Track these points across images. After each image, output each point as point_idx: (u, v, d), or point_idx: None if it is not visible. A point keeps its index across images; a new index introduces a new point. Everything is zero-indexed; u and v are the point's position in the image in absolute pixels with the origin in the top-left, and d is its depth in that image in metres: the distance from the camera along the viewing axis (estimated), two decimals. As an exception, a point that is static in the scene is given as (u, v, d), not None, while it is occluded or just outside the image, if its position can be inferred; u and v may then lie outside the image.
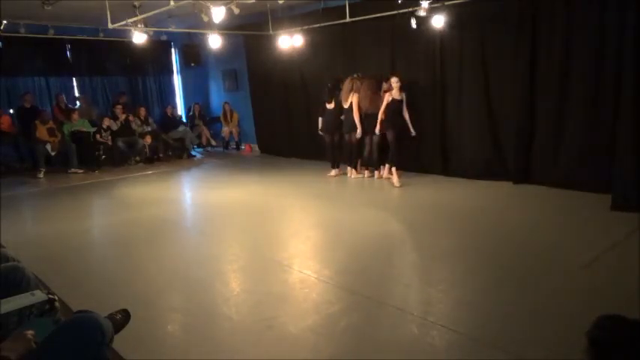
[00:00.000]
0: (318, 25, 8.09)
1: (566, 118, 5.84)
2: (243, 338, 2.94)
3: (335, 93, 7.52)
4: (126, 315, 2.53)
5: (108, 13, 6.87)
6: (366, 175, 7.48)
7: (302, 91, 9.23)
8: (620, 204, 4.95)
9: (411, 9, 6.53)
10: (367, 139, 7.29)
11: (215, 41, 7.92)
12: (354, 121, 7.23)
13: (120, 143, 9.79)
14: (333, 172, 7.74)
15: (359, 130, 7.22)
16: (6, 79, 9.73)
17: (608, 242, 4.15)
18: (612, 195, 5.07)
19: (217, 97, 12.24)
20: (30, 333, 1.81)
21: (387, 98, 6.80)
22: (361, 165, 7.67)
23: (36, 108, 9.70)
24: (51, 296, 2.08)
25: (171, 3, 6.11)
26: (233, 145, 11.49)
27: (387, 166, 7.14)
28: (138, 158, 10.02)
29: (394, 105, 6.76)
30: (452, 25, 6.59)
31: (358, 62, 7.93)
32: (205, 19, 6.20)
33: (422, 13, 6.33)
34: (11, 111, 9.86)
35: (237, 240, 4.97)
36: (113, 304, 2.69)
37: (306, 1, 8.13)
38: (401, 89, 6.77)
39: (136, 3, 6.79)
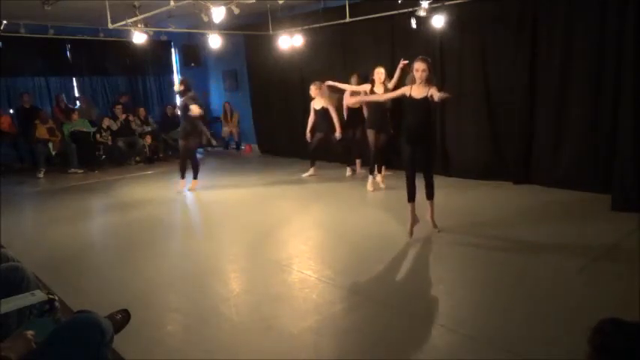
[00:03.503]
0: (318, 25, 8.09)
1: (566, 118, 5.84)
2: (242, 339, 2.94)
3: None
4: (126, 315, 2.53)
5: (108, 13, 6.87)
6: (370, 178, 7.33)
7: (302, 92, 9.22)
8: (620, 204, 4.94)
9: (411, 9, 6.53)
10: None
11: (215, 41, 7.93)
12: (331, 122, 7.30)
13: (120, 143, 9.80)
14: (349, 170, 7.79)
15: (338, 131, 7.25)
16: (6, 79, 9.74)
17: (608, 242, 4.15)
18: (612, 195, 5.06)
19: (217, 97, 12.24)
20: (30, 333, 1.81)
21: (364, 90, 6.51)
22: (361, 165, 7.67)
23: (35, 108, 9.71)
24: (51, 296, 2.07)
25: (172, 3, 6.11)
26: (233, 145, 11.49)
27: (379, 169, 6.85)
28: (138, 158, 10.03)
29: (377, 103, 6.36)
30: (452, 25, 6.58)
31: (358, 62, 7.93)
32: (205, 19, 6.20)
33: (422, 13, 6.33)
34: (11, 111, 9.87)
35: (236, 240, 4.97)
36: (113, 304, 2.69)
37: (306, 1, 8.13)
38: (384, 83, 6.41)
39: (136, 3, 6.80)
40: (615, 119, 5.15)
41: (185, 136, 7.07)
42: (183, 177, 7.29)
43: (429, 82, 4.33)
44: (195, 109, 6.79)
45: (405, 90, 4.51)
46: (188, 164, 7.24)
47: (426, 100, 4.33)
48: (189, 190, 7.25)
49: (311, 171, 7.88)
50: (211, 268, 4.17)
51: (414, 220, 4.57)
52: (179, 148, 7.43)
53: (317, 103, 7.51)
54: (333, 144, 7.60)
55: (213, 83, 12.38)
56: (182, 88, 7.03)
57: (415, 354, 2.67)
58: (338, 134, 7.30)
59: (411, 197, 4.57)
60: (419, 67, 4.31)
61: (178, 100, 7.03)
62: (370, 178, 6.48)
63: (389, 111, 6.75)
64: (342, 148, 7.67)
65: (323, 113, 7.46)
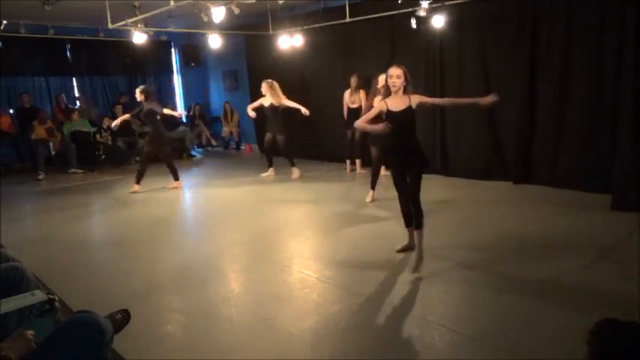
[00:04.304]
0: (318, 25, 8.10)
1: (566, 117, 5.84)
2: (243, 339, 2.94)
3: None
4: (126, 315, 2.53)
5: (108, 13, 6.88)
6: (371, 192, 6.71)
7: (302, 92, 9.22)
8: (620, 204, 4.94)
9: (411, 9, 6.54)
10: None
11: (215, 41, 7.94)
12: (280, 121, 7.57)
13: (120, 143, 9.80)
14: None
15: (304, 110, 7.44)
16: (6, 79, 9.75)
17: (608, 242, 4.15)
18: (612, 195, 5.06)
19: (217, 97, 12.25)
20: (30, 333, 1.81)
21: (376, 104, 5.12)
22: (361, 164, 7.68)
23: (35, 108, 9.71)
24: (51, 296, 2.07)
25: (172, 3, 6.12)
26: (233, 145, 11.49)
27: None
28: (138, 158, 10.01)
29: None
30: (452, 26, 6.59)
31: (358, 63, 7.93)
32: (205, 19, 6.20)
33: (422, 13, 6.34)
34: (11, 111, 9.88)
35: (236, 240, 4.96)
36: (113, 304, 2.69)
37: (306, 1, 8.14)
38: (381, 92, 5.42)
39: (136, 3, 6.81)
40: (615, 119, 5.15)
41: (148, 142, 7.32)
42: (176, 179, 7.45)
43: (405, 91, 3.76)
44: (166, 111, 7.32)
45: (380, 106, 3.83)
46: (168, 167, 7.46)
47: (409, 112, 3.74)
48: (130, 192, 7.21)
49: (269, 171, 8.02)
50: (211, 268, 4.17)
51: (412, 245, 4.12)
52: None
53: (266, 100, 7.58)
54: (280, 145, 7.72)
55: (213, 83, 12.38)
56: (142, 97, 7.13)
57: (415, 354, 2.67)
58: (305, 111, 7.44)
59: (409, 222, 4.09)
60: (393, 73, 3.71)
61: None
62: (371, 192, 5.98)
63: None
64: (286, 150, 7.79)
65: (272, 111, 7.55)
